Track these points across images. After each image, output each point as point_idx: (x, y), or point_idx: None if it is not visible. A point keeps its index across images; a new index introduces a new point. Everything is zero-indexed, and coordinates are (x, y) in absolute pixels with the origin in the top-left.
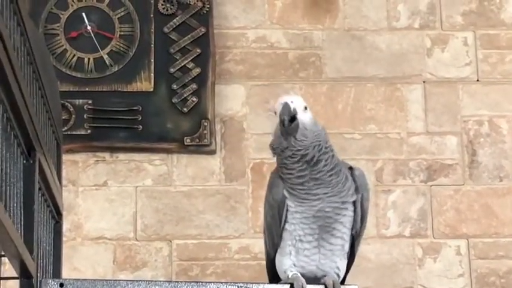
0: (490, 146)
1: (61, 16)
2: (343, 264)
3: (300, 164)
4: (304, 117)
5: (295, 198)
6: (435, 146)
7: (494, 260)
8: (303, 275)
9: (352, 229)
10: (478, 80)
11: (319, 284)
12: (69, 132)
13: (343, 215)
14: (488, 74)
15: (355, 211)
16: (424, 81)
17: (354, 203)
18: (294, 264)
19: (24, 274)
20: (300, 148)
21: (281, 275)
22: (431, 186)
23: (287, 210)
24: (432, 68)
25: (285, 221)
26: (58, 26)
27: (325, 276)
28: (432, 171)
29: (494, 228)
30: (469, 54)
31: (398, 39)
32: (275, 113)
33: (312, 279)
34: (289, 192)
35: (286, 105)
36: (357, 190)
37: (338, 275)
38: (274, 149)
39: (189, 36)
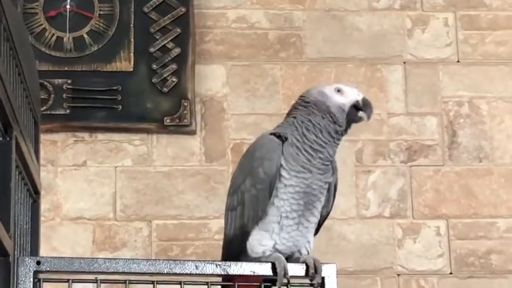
0: (470, 127)
1: None
2: (312, 239)
3: (332, 138)
4: None
5: (292, 167)
6: (415, 126)
7: (474, 240)
8: (280, 252)
9: (323, 209)
10: (458, 61)
11: (297, 262)
12: (48, 112)
13: (323, 194)
14: (468, 55)
15: (329, 191)
16: (404, 62)
17: (329, 183)
18: (276, 243)
19: (1, 252)
20: (344, 135)
21: (253, 253)
22: (411, 166)
23: (279, 182)
24: (412, 49)
25: (275, 195)
26: (37, 5)
27: (298, 251)
28: (412, 152)
29: (473, 209)
30: (449, 35)
31: (379, 20)
32: (339, 90)
33: (285, 255)
34: (288, 160)
35: (370, 101)
36: (332, 171)
37: (308, 251)
38: (332, 116)
39: (169, 15)
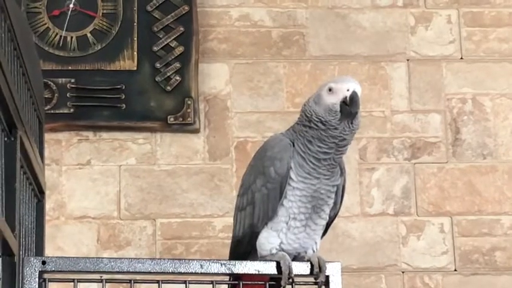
0: (474, 124)
1: None
2: (319, 240)
3: (334, 144)
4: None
5: (299, 172)
6: (419, 124)
7: (478, 237)
8: (286, 252)
9: (331, 211)
10: (461, 58)
11: (302, 261)
12: (52, 111)
13: (331, 198)
14: (471, 52)
15: (336, 193)
16: (407, 59)
17: (337, 186)
18: (282, 242)
19: (6, 252)
20: (348, 133)
21: (262, 251)
22: (415, 164)
23: (288, 184)
24: (416, 46)
25: (284, 196)
26: (40, 4)
27: (304, 252)
28: (416, 149)
29: (477, 205)
30: (452, 32)
31: (382, 17)
32: (330, 89)
33: (291, 255)
34: (295, 165)
35: (357, 96)
36: (341, 173)
37: (313, 251)
38: (323, 122)
39: (172, 14)
